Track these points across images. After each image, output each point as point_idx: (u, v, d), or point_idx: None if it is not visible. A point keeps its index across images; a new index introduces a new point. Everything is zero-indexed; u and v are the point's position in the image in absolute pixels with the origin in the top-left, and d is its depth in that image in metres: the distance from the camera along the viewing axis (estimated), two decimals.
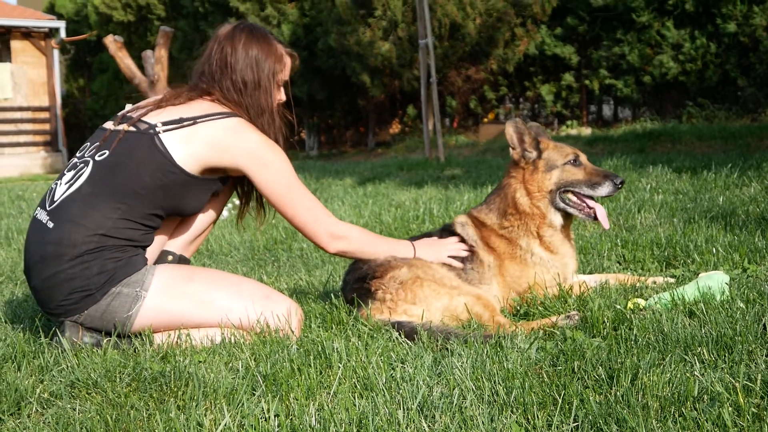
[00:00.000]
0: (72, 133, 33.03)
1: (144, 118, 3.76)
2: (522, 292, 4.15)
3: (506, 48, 23.27)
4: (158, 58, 16.90)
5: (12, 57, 27.66)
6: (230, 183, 4.15)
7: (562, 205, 4.22)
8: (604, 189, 4.17)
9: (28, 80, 27.79)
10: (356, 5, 23.57)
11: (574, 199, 4.22)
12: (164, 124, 3.71)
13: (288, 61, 4.08)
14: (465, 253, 4.23)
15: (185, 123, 3.72)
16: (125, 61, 17.17)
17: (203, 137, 3.71)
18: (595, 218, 4.20)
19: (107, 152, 3.70)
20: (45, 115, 28.17)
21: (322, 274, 5.32)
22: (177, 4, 29.78)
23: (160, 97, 3.94)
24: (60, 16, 33.45)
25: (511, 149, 4.25)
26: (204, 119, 3.75)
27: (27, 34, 27.86)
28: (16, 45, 27.71)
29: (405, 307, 3.77)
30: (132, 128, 3.73)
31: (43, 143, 28.19)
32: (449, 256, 4.17)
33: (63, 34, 28.27)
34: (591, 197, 4.21)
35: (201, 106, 3.82)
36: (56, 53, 28.61)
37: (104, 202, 3.58)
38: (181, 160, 3.66)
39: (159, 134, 3.68)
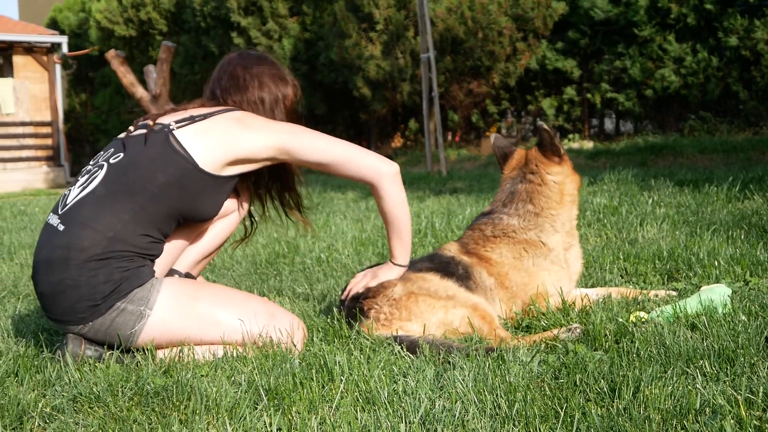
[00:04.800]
0: (74, 147, 33.09)
1: (158, 120, 3.82)
2: (536, 296, 4.15)
3: (508, 62, 23.29)
4: (160, 73, 16.95)
5: (14, 72, 27.71)
6: (243, 204, 4.20)
7: None
8: None
9: (30, 95, 27.84)
10: (358, 19, 23.63)
11: None
12: (177, 122, 3.76)
13: (292, 90, 4.14)
14: None
15: (197, 119, 3.79)
16: (127, 76, 17.22)
17: (217, 124, 3.77)
18: None
19: (122, 154, 3.73)
20: (47, 130, 28.20)
21: (324, 288, 5.32)
22: (179, 19, 29.86)
23: (172, 107, 4.03)
24: (62, 31, 33.53)
25: (555, 144, 4.32)
26: (214, 114, 3.83)
27: (29, 49, 27.92)
28: (18, 60, 27.76)
29: (400, 324, 3.74)
30: (151, 127, 3.78)
31: (45, 158, 28.22)
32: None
33: (65, 49, 28.32)
34: None
35: (212, 108, 3.90)
36: (58, 68, 28.65)
37: (117, 202, 3.58)
38: (195, 154, 3.68)
39: (173, 131, 3.71)
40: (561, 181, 4.32)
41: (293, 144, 3.83)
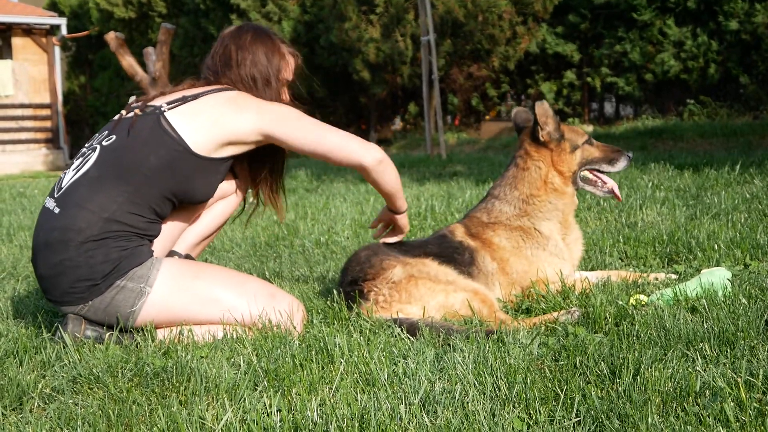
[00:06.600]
0: (73, 130, 33.02)
1: (150, 103, 3.82)
2: (532, 284, 4.14)
3: (508, 46, 23.27)
4: (159, 55, 16.92)
5: (13, 54, 27.65)
6: (242, 186, 4.19)
7: (581, 184, 4.36)
8: (621, 164, 4.39)
9: (29, 77, 27.78)
10: (358, 1, 23.57)
11: (590, 176, 4.36)
12: (168, 103, 3.76)
13: (291, 60, 4.10)
14: None
15: (188, 99, 3.77)
16: (126, 58, 17.19)
17: (208, 106, 3.75)
18: (612, 192, 4.36)
19: (114, 137, 3.73)
20: (46, 112, 28.16)
21: (324, 270, 5.32)
22: (178, 0, 29.80)
23: (163, 90, 4.01)
24: (61, 13, 33.46)
25: (539, 129, 4.24)
26: (206, 93, 3.81)
27: (28, 31, 27.85)
28: (17, 42, 27.70)
29: (399, 307, 3.74)
30: (140, 113, 3.76)
31: (44, 140, 28.17)
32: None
33: (64, 31, 28.27)
34: (606, 173, 4.38)
35: (204, 88, 3.88)
36: (57, 50, 28.59)
37: (110, 184, 3.59)
38: (186, 136, 3.68)
39: (164, 113, 3.71)
40: (543, 168, 4.29)
41: (280, 130, 3.79)
